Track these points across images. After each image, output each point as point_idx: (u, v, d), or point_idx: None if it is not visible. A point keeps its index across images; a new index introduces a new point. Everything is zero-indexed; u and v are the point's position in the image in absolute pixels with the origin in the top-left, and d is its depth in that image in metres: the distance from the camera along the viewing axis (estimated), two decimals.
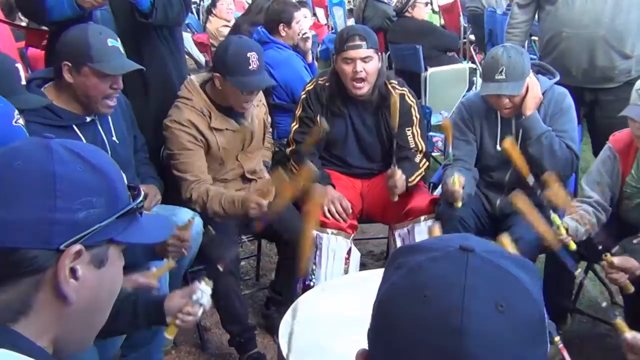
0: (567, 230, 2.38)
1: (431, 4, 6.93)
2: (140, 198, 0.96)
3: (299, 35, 4.14)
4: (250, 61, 2.59)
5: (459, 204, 2.67)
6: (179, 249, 2.23)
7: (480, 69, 4.66)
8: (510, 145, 2.44)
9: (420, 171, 2.96)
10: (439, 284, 0.75)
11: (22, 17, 4.54)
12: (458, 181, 2.62)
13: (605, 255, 2.25)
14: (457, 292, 0.73)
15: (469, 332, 0.71)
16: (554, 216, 2.37)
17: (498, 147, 2.83)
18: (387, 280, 0.81)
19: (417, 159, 2.97)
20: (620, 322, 1.85)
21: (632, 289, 2.24)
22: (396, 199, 2.84)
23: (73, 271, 0.87)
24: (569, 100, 2.78)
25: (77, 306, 0.89)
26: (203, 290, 1.83)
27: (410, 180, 2.88)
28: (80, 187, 0.88)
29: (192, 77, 2.80)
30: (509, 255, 0.80)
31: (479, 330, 0.72)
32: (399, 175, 2.79)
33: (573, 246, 2.39)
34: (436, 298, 0.74)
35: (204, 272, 1.87)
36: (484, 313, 0.73)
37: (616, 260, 2.21)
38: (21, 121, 1.75)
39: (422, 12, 5.57)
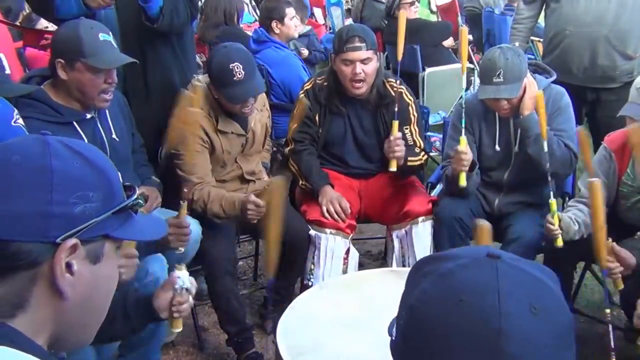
0: (560, 221, 2.37)
1: (429, 3, 6.92)
2: (136, 196, 0.96)
3: (295, 30, 4.14)
4: (234, 72, 2.55)
5: (463, 182, 2.65)
6: (180, 235, 2.21)
7: (478, 69, 4.65)
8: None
9: (419, 157, 2.96)
10: (473, 289, 0.78)
11: (25, 14, 4.55)
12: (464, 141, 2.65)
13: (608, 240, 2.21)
14: (492, 296, 0.76)
15: (508, 333, 0.74)
16: (553, 202, 2.36)
17: (497, 148, 2.83)
18: (414, 287, 0.83)
19: (417, 151, 2.97)
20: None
21: (621, 285, 2.24)
22: (394, 168, 2.82)
23: (69, 266, 0.87)
24: (567, 99, 2.78)
25: (73, 302, 0.89)
26: (180, 276, 1.82)
27: (409, 159, 2.88)
28: (77, 181, 0.88)
29: (200, 77, 2.78)
30: (532, 263, 0.83)
31: (517, 331, 0.74)
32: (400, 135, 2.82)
33: (560, 242, 2.38)
34: (472, 302, 0.76)
35: (178, 265, 1.85)
36: (520, 315, 0.75)
37: (616, 246, 2.19)
38: (20, 121, 1.75)
39: (408, 13, 5.52)
